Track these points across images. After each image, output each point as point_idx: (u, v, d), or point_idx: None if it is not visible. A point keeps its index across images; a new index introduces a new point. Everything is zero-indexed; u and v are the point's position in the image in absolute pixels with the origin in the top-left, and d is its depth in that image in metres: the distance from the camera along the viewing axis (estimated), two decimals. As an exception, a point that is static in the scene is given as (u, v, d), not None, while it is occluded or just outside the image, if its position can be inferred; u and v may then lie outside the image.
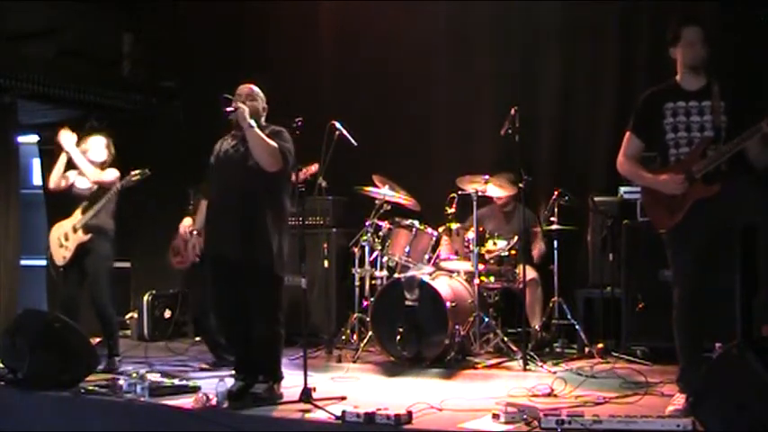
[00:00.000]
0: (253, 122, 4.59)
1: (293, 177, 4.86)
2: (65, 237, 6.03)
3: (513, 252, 6.28)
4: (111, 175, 6.10)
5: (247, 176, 4.61)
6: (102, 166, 6.15)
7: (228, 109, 4.66)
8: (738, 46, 6.04)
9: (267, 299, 4.68)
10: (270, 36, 8.33)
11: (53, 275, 6.28)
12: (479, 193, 6.25)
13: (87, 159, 6.09)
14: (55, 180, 6.15)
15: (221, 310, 4.88)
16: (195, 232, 6.24)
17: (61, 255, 6.04)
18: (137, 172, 6.01)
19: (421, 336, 5.74)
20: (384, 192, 6.51)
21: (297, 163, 4.80)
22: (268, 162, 4.57)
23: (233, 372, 4.82)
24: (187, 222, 6.35)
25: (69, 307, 5.89)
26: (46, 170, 8.34)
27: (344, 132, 6.52)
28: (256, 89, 4.87)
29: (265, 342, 4.70)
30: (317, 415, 4.23)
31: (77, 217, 6.02)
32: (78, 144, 6.13)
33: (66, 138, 6.10)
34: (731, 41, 5.97)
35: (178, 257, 6.52)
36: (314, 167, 6.50)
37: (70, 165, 6.13)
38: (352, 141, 6.53)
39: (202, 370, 5.91)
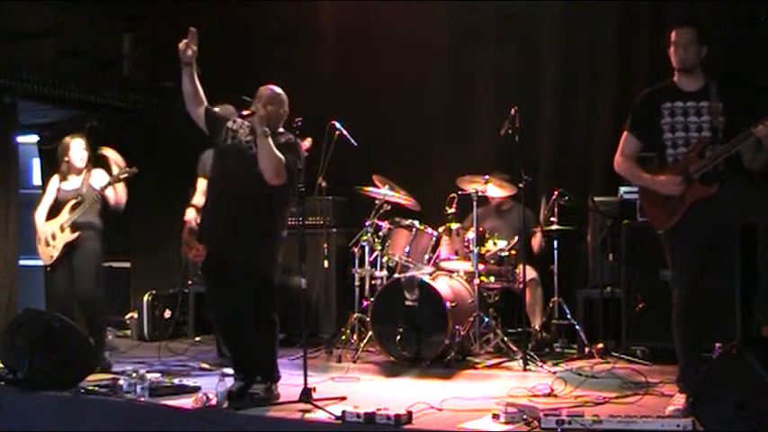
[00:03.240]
0: (267, 131, 4.51)
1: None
2: (52, 236, 5.97)
3: (512, 252, 6.28)
4: (120, 190, 6.08)
5: (253, 180, 4.55)
6: (88, 168, 6.12)
7: (245, 112, 4.64)
8: (737, 46, 6.03)
9: (261, 300, 4.65)
10: (270, 36, 8.31)
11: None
12: (479, 193, 6.25)
13: (72, 164, 6.06)
14: (44, 215, 6.08)
15: (216, 310, 4.88)
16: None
17: (48, 254, 5.98)
18: (123, 171, 5.97)
19: (421, 336, 5.73)
20: (384, 192, 6.51)
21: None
22: (270, 174, 4.50)
23: (233, 372, 4.82)
24: (191, 215, 6.09)
25: (65, 305, 5.86)
26: (45, 171, 8.34)
27: (344, 132, 6.52)
28: (278, 91, 4.77)
29: (260, 343, 4.69)
30: (317, 415, 4.23)
31: (65, 216, 5.96)
32: (67, 151, 6.08)
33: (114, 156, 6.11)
34: (730, 41, 5.97)
35: (193, 251, 6.42)
36: (307, 142, 6.35)
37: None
38: (352, 141, 6.52)
39: (202, 370, 5.91)
